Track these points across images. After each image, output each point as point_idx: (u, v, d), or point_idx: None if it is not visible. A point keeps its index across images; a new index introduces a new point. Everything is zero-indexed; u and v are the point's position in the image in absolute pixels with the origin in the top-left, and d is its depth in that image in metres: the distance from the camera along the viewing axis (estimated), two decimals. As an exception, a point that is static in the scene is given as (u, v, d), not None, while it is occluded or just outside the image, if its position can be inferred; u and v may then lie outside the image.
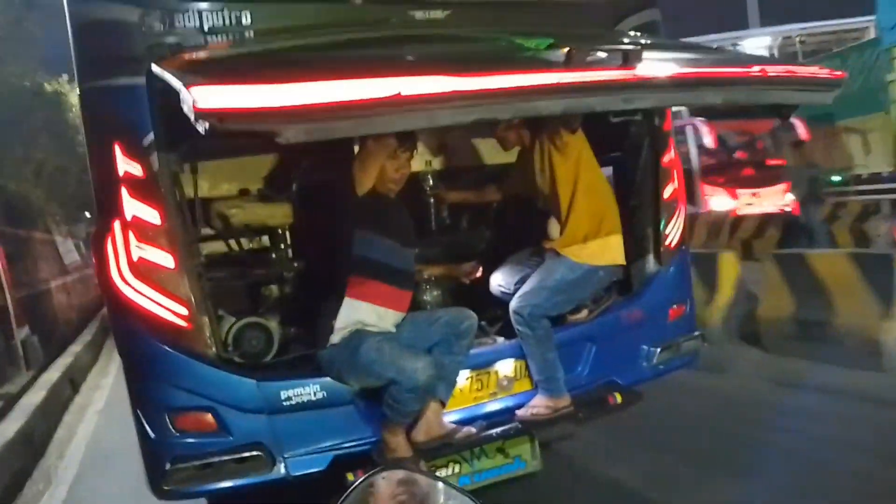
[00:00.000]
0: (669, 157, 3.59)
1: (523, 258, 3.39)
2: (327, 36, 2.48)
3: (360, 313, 2.76)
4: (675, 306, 3.51)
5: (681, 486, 3.56)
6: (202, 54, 2.22)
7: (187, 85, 1.72)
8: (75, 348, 9.60)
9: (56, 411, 6.87)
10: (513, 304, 3.10)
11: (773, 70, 2.37)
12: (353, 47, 2.33)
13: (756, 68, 2.32)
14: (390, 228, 2.86)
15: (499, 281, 3.38)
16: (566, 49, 2.12)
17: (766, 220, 11.49)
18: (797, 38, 23.56)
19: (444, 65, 1.92)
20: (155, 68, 2.15)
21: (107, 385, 8.12)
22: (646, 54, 2.25)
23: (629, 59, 2.11)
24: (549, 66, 2.08)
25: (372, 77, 1.78)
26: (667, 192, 3.56)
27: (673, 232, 3.58)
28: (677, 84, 2.19)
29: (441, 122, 1.97)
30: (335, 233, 2.86)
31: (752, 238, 11.18)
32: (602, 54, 2.16)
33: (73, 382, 7.90)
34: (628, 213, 3.66)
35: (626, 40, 2.88)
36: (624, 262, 3.32)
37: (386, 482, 1.27)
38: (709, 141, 13.03)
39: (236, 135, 1.75)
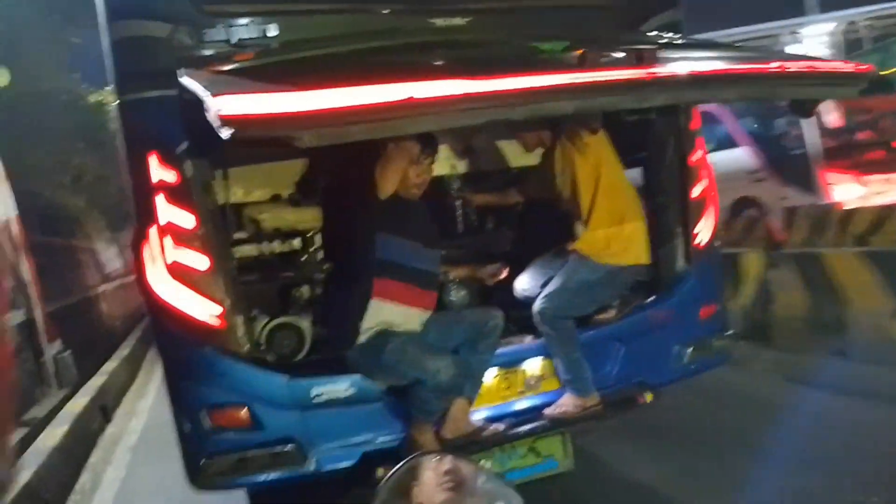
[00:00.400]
0: (697, 156, 3.58)
1: (547, 260, 3.42)
2: (348, 45, 2.56)
3: (386, 314, 2.83)
4: (705, 306, 3.48)
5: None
6: (227, 65, 2.32)
7: (212, 94, 1.82)
8: (111, 365, 8.45)
9: (79, 452, 5.52)
10: (536, 305, 3.13)
11: (793, 65, 2.36)
12: (371, 55, 2.41)
13: (774, 64, 2.31)
14: (413, 230, 2.92)
15: (523, 284, 3.41)
16: (579, 50, 2.16)
17: (885, 211, 9.43)
18: (863, 23, 22.00)
19: (457, 68, 1.98)
20: (183, 79, 2.26)
21: (144, 410, 7.21)
22: (661, 53, 2.28)
23: (643, 59, 2.13)
24: (561, 67, 2.12)
25: (385, 82, 1.85)
26: (695, 192, 3.55)
27: (702, 231, 3.56)
28: (692, 81, 2.19)
29: (453, 124, 2.03)
30: (360, 235, 2.93)
31: (868, 234, 9.12)
32: (616, 54, 2.19)
33: (104, 410, 6.93)
34: (656, 213, 3.67)
35: (642, 41, 2.90)
36: (648, 262, 3.32)
37: (432, 471, 1.31)
38: (832, 119, 10.91)
39: (258, 141, 1.84)
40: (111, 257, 14.12)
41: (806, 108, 2.60)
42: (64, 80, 12.83)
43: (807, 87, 2.40)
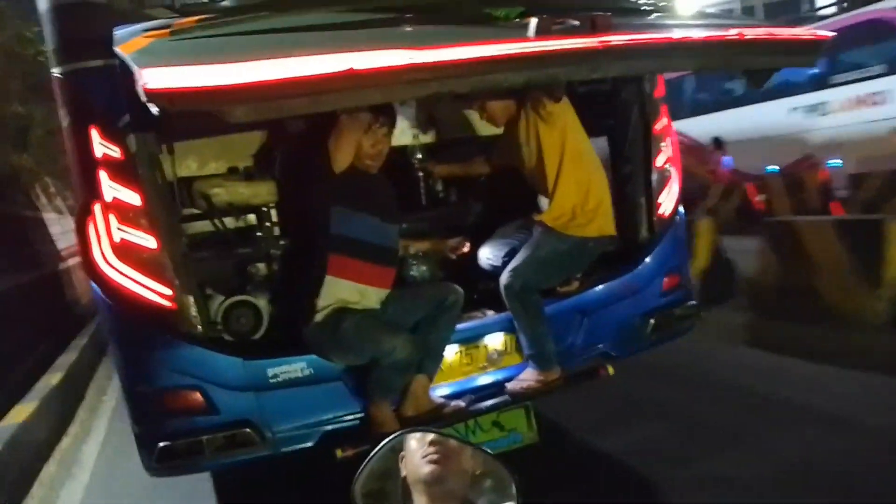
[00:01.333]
0: (662, 124, 3.55)
1: (511, 231, 3.37)
2: (295, 10, 2.43)
3: (342, 291, 2.77)
4: (668, 276, 3.48)
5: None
6: (162, 34, 2.20)
7: (139, 66, 1.72)
8: (22, 411, 4.64)
9: None
10: (503, 279, 3.08)
11: (751, 33, 2.30)
12: (318, 22, 2.29)
13: (733, 32, 2.25)
14: (370, 205, 2.84)
15: (486, 254, 3.36)
16: (533, 18, 2.07)
17: None
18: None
19: (402, 37, 1.89)
20: (116, 50, 2.14)
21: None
22: (619, 19, 2.19)
23: (597, 27, 2.05)
24: (511, 36, 2.02)
25: (324, 52, 1.76)
26: (659, 161, 3.53)
27: (666, 201, 3.55)
28: (647, 50, 2.13)
29: (397, 97, 1.97)
30: (316, 210, 2.85)
31: None
32: (571, 22, 2.10)
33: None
34: (620, 182, 3.64)
35: (602, 5, 2.81)
36: (614, 233, 3.29)
37: (417, 442, 1.29)
38: None
39: (189, 115, 1.75)
40: (63, 231, 11.57)
41: (761, 77, 2.55)
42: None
43: (764, 57, 2.35)
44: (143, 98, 1.65)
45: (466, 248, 3.31)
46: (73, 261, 10.10)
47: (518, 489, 1.22)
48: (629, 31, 2.13)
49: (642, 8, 2.82)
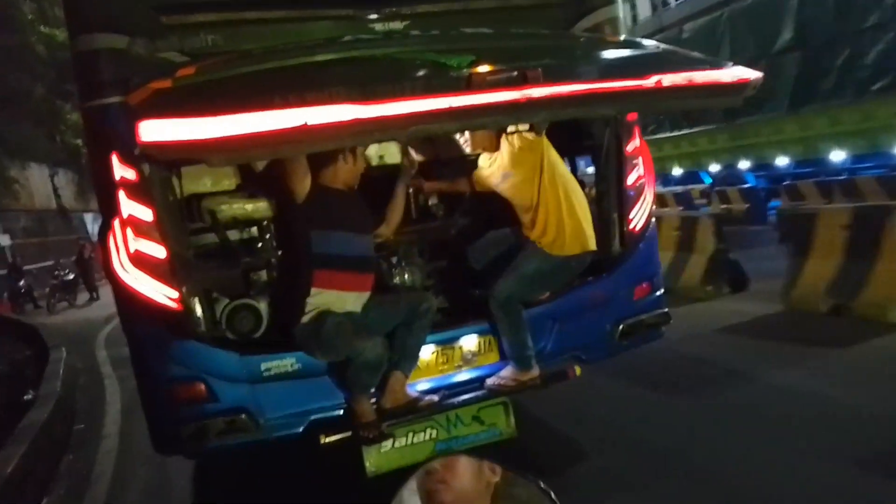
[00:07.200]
0: (634, 144, 3.80)
1: (493, 239, 3.71)
2: (277, 58, 2.77)
3: (326, 299, 3.11)
4: (639, 286, 3.74)
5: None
6: (165, 84, 2.57)
7: (135, 120, 2.11)
8: None
9: None
10: (492, 291, 3.39)
11: (670, 80, 2.51)
12: (288, 69, 2.62)
13: (652, 80, 2.47)
14: (344, 223, 3.18)
15: (472, 254, 3.72)
16: (475, 69, 2.38)
17: None
18: None
19: (351, 91, 2.21)
20: (127, 100, 2.54)
21: None
22: (549, 69, 2.44)
23: (527, 79, 2.33)
24: (447, 89, 2.31)
25: (283, 108, 2.11)
26: (630, 179, 3.79)
27: (637, 217, 3.80)
28: (567, 101, 2.39)
29: (344, 145, 2.30)
30: (297, 233, 3.20)
31: None
32: (506, 74, 2.39)
33: None
34: (597, 198, 3.92)
35: (553, 46, 3.10)
36: (595, 248, 3.57)
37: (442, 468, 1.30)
38: None
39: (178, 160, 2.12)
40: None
41: (691, 115, 2.79)
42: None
43: (685, 100, 2.59)
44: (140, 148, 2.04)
45: (416, 157, 3.69)
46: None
47: None
48: (557, 81, 2.39)
49: (578, 52, 3.08)
